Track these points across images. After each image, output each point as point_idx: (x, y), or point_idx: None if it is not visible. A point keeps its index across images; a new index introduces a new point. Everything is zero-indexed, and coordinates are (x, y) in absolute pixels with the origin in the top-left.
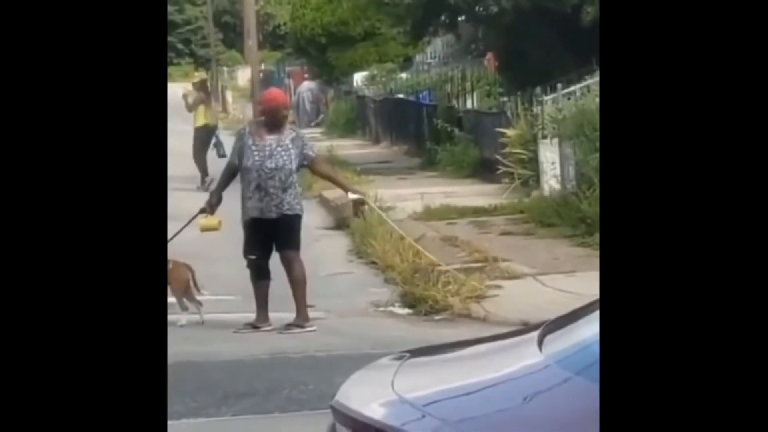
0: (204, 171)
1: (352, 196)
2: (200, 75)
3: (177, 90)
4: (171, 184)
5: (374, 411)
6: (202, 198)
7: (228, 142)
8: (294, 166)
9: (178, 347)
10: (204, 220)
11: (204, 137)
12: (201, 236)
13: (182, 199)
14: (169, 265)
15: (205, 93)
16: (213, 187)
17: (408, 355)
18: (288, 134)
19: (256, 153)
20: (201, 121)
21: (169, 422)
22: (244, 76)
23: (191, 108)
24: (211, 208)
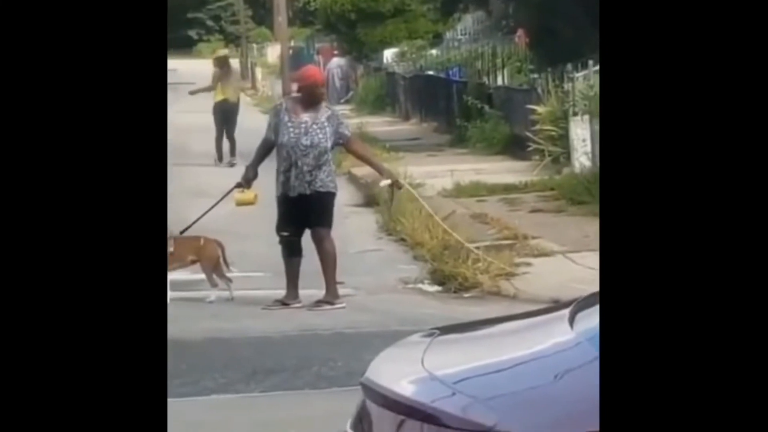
0: (219, 146)
1: (385, 182)
2: (221, 51)
3: (207, 67)
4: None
5: (404, 388)
6: (224, 173)
7: (256, 118)
8: (329, 144)
9: (208, 323)
10: (240, 194)
11: (220, 113)
12: (231, 213)
13: (208, 175)
14: (200, 242)
15: (224, 69)
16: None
17: (438, 332)
18: (324, 112)
19: (291, 130)
20: (218, 97)
21: (198, 398)
22: (273, 52)
23: (212, 86)
24: (246, 182)
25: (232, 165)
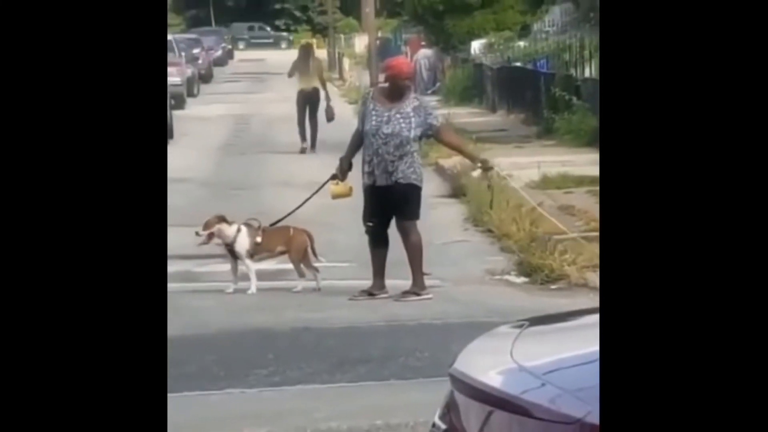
0: (302, 133)
1: (475, 173)
2: (305, 40)
3: (293, 57)
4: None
5: (493, 379)
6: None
7: (343, 108)
8: (412, 134)
9: (294, 314)
10: (335, 186)
11: (300, 101)
12: (320, 203)
13: (295, 163)
14: (289, 232)
15: (303, 58)
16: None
17: (527, 323)
18: (410, 102)
19: (375, 118)
20: (301, 85)
21: (285, 387)
22: (361, 43)
23: (290, 73)
24: (342, 174)
25: (302, 151)
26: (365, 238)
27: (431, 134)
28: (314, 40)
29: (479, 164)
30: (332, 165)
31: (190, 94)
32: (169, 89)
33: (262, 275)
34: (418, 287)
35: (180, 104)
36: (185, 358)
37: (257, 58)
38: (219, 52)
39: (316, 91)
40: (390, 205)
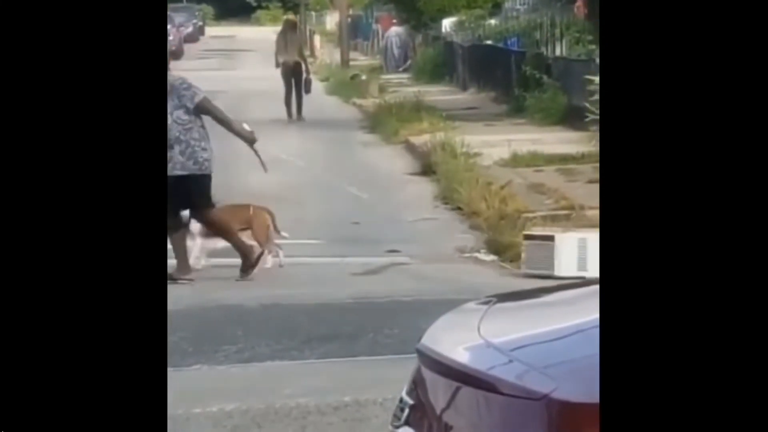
0: (288, 104)
1: (245, 128)
2: (288, 16)
3: (267, 35)
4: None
5: (460, 355)
6: (275, 137)
7: (314, 85)
8: (170, 120)
9: (263, 290)
10: None
11: (285, 74)
12: (285, 180)
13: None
14: (250, 211)
15: (286, 33)
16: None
17: (494, 299)
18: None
19: None
20: (281, 60)
21: (254, 364)
22: (332, 20)
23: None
24: None
25: (297, 119)
26: (332, 216)
27: (200, 112)
28: (285, 17)
29: (246, 137)
30: (303, 141)
31: None
32: None
33: (232, 252)
34: (179, 272)
35: None
36: None
37: (228, 34)
38: (190, 29)
39: (298, 64)
40: (178, 197)
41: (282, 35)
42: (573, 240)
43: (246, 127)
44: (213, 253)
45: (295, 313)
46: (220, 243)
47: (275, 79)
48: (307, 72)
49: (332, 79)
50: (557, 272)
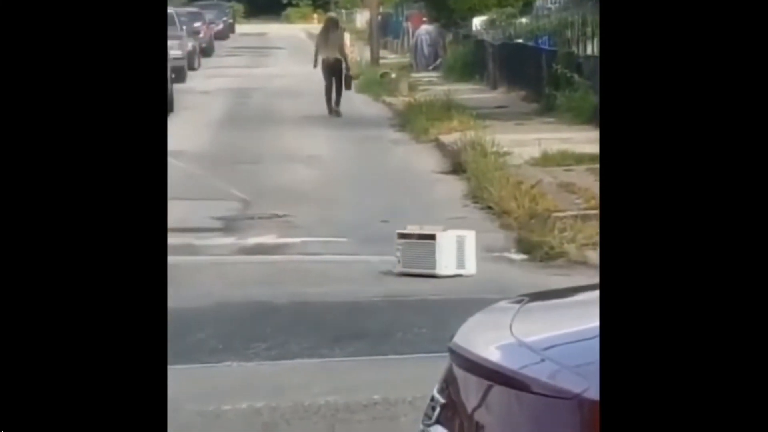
0: (328, 100)
1: None
2: (330, 14)
3: (296, 32)
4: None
5: (492, 354)
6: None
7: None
8: None
9: (293, 288)
10: None
11: (325, 71)
12: (316, 178)
13: (289, 136)
14: None
15: (327, 31)
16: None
17: (526, 298)
18: None
19: None
20: (322, 57)
21: (284, 361)
22: (362, 18)
23: (316, 45)
24: None
25: (330, 115)
26: (362, 214)
27: None
28: (316, 16)
29: None
30: (333, 139)
31: (191, 68)
32: (171, 63)
33: (262, 249)
34: None
35: (181, 78)
36: (185, 330)
37: (258, 32)
38: (220, 26)
39: (338, 61)
40: None
41: (323, 33)
42: (452, 238)
43: None
44: (244, 250)
45: (324, 311)
46: (251, 240)
47: (305, 76)
48: (347, 69)
49: (362, 77)
50: (438, 271)
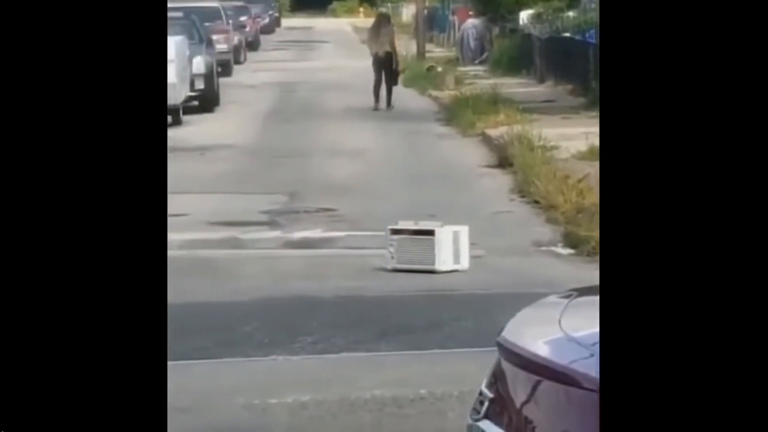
0: (376, 93)
1: None
2: (381, 9)
3: (342, 26)
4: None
5: (541, 348)
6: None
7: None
8: None
9: (338, 282)
10: None
11: (375, 65)
12: (359, 172)
13: (335, 130)
14: None
15: (378, 26)
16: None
17: (575, 293)
18: None
19: None
20: (372, 51)
21: (330, 355)
22: (408, 12)
23: (367, 40)
24: None
25: (375, 109)
26: (408, 208)
27: None
28: (362, 9)
29: None
30: (379, 133)
31: (237, 62)
32: (217, 57)
33: (308, 243)
34: None
35: (227, 72)
36: (230, 324)
37: (304, 26)
38: (266, 20)
39: (389, 55)
40: None
41: (374, 28)
42: (449, 233)
43: None
44: (290, 244)
45: (369, 305)
46: (297, 234)
47: (351, 70)
48: (397, 63)
49: (408, 71)
50: (438, 267)
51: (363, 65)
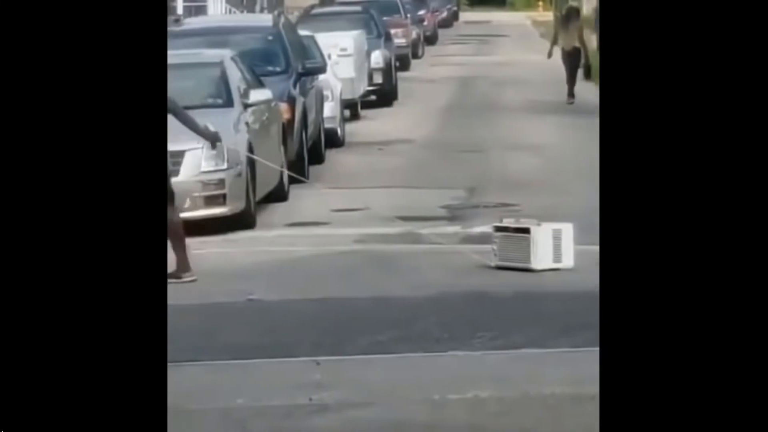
0: (569, 88)
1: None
2: (572, 3)
3: (521, 20)
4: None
5: None
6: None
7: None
8: None
9: (515, 277)
10: None
11: (564, 60)
12: (537, 164)
13: (515, 125)
14: None
15: (567, 20)
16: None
17: None
18: None
19: None
20: (561, 46)
21: (508, 351)
22: (588, 5)
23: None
24: None
25: (570, 103)
26: (589, 203)
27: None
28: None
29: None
30: (561, 128)
31: (415, 56)
32: (395, 51)
33: (487, 238)
34: (180, 270)
35: (405, 66)
36: (408, 319)
37: (483, 19)
38: (444, 14)
39: (576, 50)
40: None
41: (564, 21)
42: (548, 232)
43: (210, 127)
44: (469, 239)
45: (548, 301)
46: (477, 229)
47: (531, 64)
48: (586, 58)
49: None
50: (534, 265)
51: (542, 60)
